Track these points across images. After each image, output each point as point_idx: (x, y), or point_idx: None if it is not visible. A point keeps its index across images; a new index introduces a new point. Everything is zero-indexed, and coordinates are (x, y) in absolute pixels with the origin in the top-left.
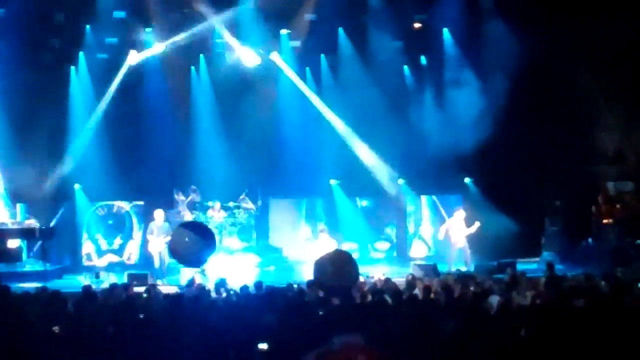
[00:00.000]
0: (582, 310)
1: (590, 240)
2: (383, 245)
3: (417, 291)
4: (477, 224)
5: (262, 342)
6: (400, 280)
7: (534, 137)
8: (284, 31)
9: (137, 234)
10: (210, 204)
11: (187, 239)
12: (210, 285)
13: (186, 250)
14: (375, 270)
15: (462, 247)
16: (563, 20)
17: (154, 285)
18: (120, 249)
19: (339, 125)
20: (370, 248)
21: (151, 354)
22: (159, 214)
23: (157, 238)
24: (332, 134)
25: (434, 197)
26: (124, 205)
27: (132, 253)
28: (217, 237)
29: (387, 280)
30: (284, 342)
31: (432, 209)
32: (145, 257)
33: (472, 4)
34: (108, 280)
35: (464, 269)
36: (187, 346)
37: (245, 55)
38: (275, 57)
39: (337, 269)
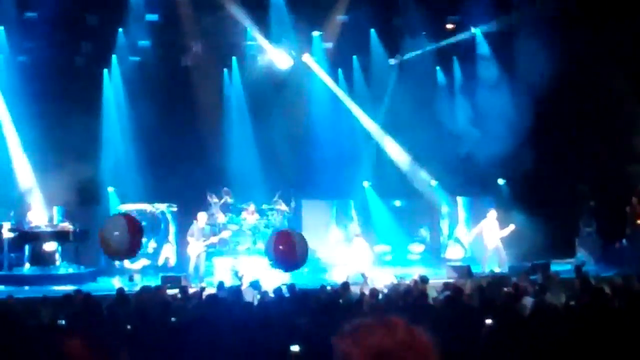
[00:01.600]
0: (618, 311)
1: (624, 241)
2: (417, 248)
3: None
4: (512, 226)
5: (295, 344)
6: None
7: (568, 138)
8: (315, 33)
9: (172, 236)
10: (244, 206)
11: (116, 233)
12: (243, 287)
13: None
14: (411, 271)
15: (496, 248)
16: (598, 20)
17: (187, 288)
18: (154, 253)
19: (372, 126)
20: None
21: (184, 356)
22: (202, 216)
23: (197, 241)
24: (364, 135)
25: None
26: (160, 207)
27: (169, 257)
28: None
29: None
30: (316, 344)
31: (468, 210)
32: (182, 261)
33: (504, 4)
34: (142, 282)
35: (497, 270)
36: (219, 348)
37: (277, 57)
38: (307, 58)
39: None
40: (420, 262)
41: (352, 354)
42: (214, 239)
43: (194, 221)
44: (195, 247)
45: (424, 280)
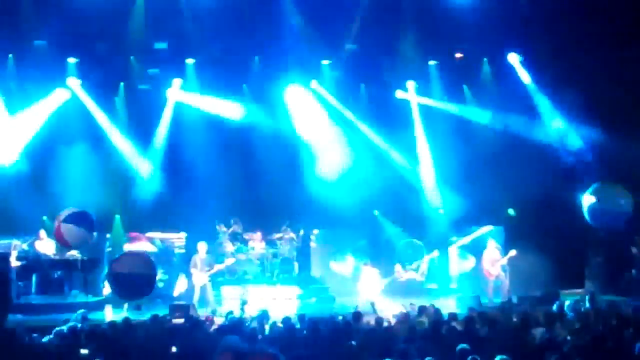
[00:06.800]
0: (631, 341)
1: (633, 271)
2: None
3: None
4: (513, 252)
5: None
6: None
7: (576, 166)
8: (325, 62)
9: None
10: (251, 235)
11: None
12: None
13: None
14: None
15: (498, 278)
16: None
17: (194, 317)
18: (166, 283)
19: (381, 153)
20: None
21: None
22: (202, 246)
23: (200, 272)
24: (375, 162)
25: None
26: (170, 237)
27: (181, 291)
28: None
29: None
30: None
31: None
32: (193, 291)
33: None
34: (150, 312)
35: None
36: None
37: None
38: (315, 85)
39: None
40: (431, 293)
41: None
42: (218, 267)
43: (196, 252)
44: (199, 277)
45: (422, 311)
